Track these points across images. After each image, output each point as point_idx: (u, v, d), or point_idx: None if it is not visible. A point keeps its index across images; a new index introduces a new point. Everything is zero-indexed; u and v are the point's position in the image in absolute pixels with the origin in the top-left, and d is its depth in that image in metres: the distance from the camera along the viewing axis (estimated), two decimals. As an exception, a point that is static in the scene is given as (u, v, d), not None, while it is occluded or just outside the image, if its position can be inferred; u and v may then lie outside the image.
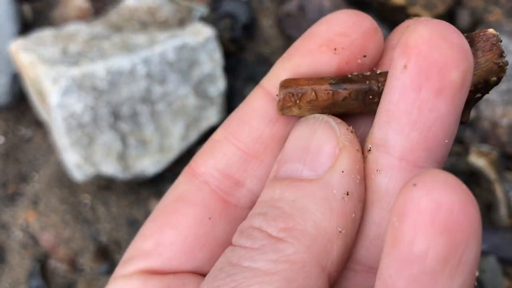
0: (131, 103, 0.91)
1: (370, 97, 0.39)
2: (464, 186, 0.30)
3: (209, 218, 0.43)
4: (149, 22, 1.01)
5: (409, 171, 0.37)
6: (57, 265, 1.01)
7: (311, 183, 0.36)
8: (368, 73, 0.40)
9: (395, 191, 0.37)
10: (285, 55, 0.42)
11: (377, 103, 0.39)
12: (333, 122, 0.39)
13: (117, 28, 0.99)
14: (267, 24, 1.07)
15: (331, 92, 0.39)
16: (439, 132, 0.35)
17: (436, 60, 0.34)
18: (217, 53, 0.95)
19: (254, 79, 1.04)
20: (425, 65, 0.34)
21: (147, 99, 0.92)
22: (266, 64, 1.06)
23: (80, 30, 0.97)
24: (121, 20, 1.01)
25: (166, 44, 0.92)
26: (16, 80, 1.03)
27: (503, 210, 0.95)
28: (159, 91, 0.92)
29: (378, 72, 0.40)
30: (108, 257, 1.02)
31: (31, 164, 1.07)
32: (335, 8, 0.97)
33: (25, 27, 1.08)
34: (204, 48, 0.93)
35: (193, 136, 0.96)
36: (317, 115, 0.40)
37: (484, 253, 0.95)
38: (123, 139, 0.92)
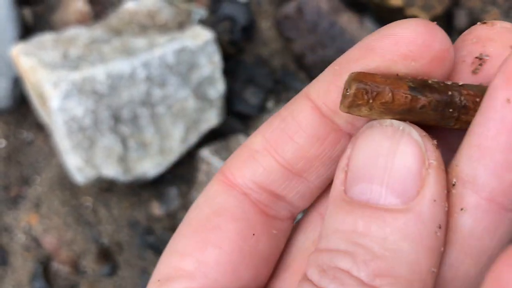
0: (131, 106, 0.92)
1: (450, 110, 0.35)
2: None
3: (253, 234, 0.40)
4: (148, 26, 1.02)
5: (498, 213, 0.33)
6: (60, 267, 1.02)
7: (400, 215, 0.31)
8: (450, 83, 0.36)
9: (479, 235, 0.34)
10: (336, 66, 0.37)
11: (456, 118, 0.35)
12: (417, 134, 0.34)
13: (117, 32, 1.00)
14: (265, 26, 1.07)
15: (409, 96, 0.34)
16: None
17: None
18: (216, 55, 0.96)
19: (253, 81, 1.05)
20: None
21: (147, 102, 0.92)
22: (265, 66, 1.07)
23: (80, 34, 0.98)
24: (121, 24, 1.02)
25: (166, 48, 0.92)
26: (17, 83, 1.04)
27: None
28: (159, 94, 0.93)
29: (460, 84, 0.36)
30: (110, 258, 1.03)
31: (33, 167, 1.08)
32: (332, 10, 0.98)
33: (26, 31, 1.09)
34: (204, 51, 0.94)
35: (193, 138, 0.96)
36: (394, 122, 0.35)
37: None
38: (124, 142, 0.93)
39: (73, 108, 0.88)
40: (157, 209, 1.02)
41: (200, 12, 1.06)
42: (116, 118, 0.92)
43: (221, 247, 0.39)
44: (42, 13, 1.13)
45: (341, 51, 0.98)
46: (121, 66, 0.90)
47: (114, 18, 1.04)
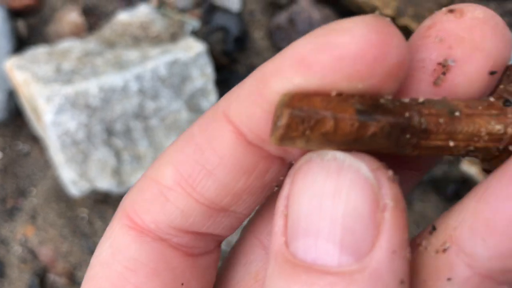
0: (124, 119, 0.92)
1: (407, 136, 0.28)
2: None
3: (182, 284, 0.34)
4: (141, 37, 1.02)
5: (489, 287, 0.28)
6: (56, 279, 1.03)
7: (353, 279, 0.26)
8: (407, 100, 0.28)
9: None
10: (260, 83, 0.28)
11: (414, 145, 0.28)
12: (367, 169, 0.27)
13: (110, 44, 1.00)
14: (258, 36, 1.08)
15: (357, 123, 0.27)
16: None
17: None
18: (209, 67, 0.96)
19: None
20: None
21: (140, 115, 0.93)
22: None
23: (73, 47, 0.98)
24: (114, 36, 1.02)
25: (158, 60, 0.93)
26: (12, 96, 1.05)
27: (496, 217, 0.95)
28: (152, 107, 0.93)
29: (420, 101, 0.29)
30: (106, 270, 1.03)
31: (29, 179, 1.09)
32: (324, 20, 0.98)
33: (20, 43, 1.09)
34: (196, 63, 0.95)
35: (187, 149, 0.97)
36: (338, 154, 0.27)
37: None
38: (117, 155, 0.93)
39: (66, 122, 0.89)
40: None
41: (193, 23, 1.06)
42: (109, 131, 0.92)
43: None
44: (36, 25, 1.13)
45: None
46: (114, 79, 0.91)
47: (107, 30, 1.04)
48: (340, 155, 0.27)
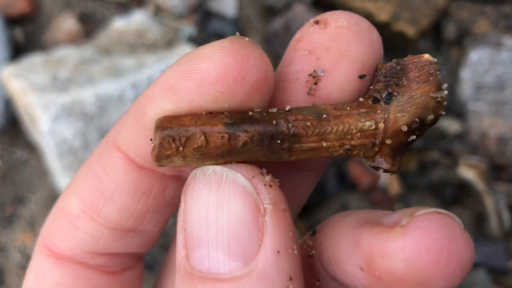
0: (121, 126, 0.92)
1: (278, 141, 0.30)
2: None
3: None
4: (137, 44, 1.02)
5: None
6: (55, 286, 1.03)
7: (243, 282, 0.27)
8: (275, 110, 0.31)
9: None
10: (138, 111, 0.30)
11: (288, 149, 0.30)
12: (243, 179, 0.29)
13: (106, 51, 1.00)
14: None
15: (226, 136, 0.29)
16: None
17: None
18: (205, 74, 0.96)
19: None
20: None
21: (137, 122, 0.93)
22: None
23: (70, 55, 0.99)
24: (110, 43, 1.02)
25: (154, 68, 0.93)
26: (9, 104, 1.05)
27: (493, 221, 0.95)
28: (149, 114, 0.93)
29: (287, 109, 0.31)
30: (105, 276, 1.03)
31: (27, 186, 1.09)
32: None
33: (17, 50, 1.10)
34: (192, 70, 0.95)
35: (184, 156, 0.97)
36: (217, 168, 0.29)
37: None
38: (114, 162, 0.93)
39: (63, 131, 0.89)
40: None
41: (189, 29, 1.06)
42: (106, 139, 0.92)
43: None
44: (33, 33, 1.13)
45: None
46: (110, 87, 0.91)
47: (103, 37, 1.04)
48: (218, 169, 0.29)
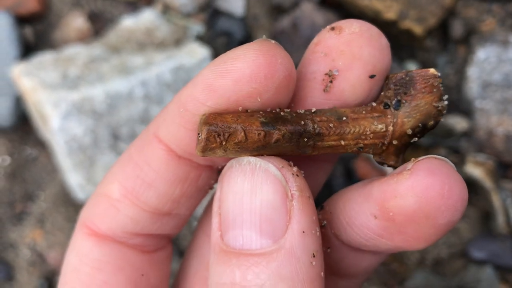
0: (130, 124, 0.93)
1: (305, 139, 0.35)
2: None
3: (142, 275, 0.40)
4: (146, 43, 1.03)
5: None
6: (64, 282, 1.04)
7: (273, 257, 0.31)
8: (302, 111, 0.36)
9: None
10: (181, 107, 0.35)
11: (312, 146, 0.35)
12: (274, 168, 0.33)
13: (116, 50, 1.01)
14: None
15: (262, 133, 0.34)
16: None
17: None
18: (213, 72, 0.97)
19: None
20: None
21: (145, 119, 0.94)
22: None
23: (79, 53, 1.00)
24: (120, 41, 1.03)
25: (163, 66, 0.94)
26: (19, 102, 1.06)
27: (500, 219, 0.96)
28: (157, 111, 0.94)
29: (313, 111, 0.36)
30: (114, 273, 1.04)
31: (37, 184, 1.10)
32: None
33: (27, 49, 1.11)
34: (200, 68, 0.95)
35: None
36: (251, 159, 0.34)
37: (481, 263, 0.96)
38: (124, 159, 0.94)
39: (73, 128, 0.90)
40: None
41: (197, 28, 1.07)
42: (116, 136, 0.93)
43: None
44: (43, 31, 1.15)
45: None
46: (120, 85, 0.92)
47: (112, 36, 1.05)
48: (252, 159, 0.34)
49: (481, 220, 1.00)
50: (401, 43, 1.03)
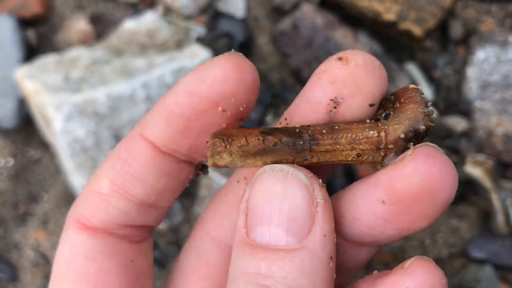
0: (132, 125, 0.94)
1: (301, 142, 0.39)
2: None
3: (131, 261, 0.44)
4: (148, 45, 1.04)
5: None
6: (68, 283, 1.05)
7: (297, 254, 0.35)
8: (298, 126, 0.40)
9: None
10: (167, 109, 0.40)
11: (309, 149, 0.39)
12: (304, 176, 0.38)
13: (118, 52, 1.02)
14: (263, 41, 1.09)
15: (261, 137, 0.39)
16: None
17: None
18: (214, 73, 0.98)
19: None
20: None
21: (147, 121, 0.95)
22: (263, 80, 1.08)
23: (81, 55, 1.01)
24: (121, 44, 1.04)
25: (164, 68, 0.95)
26: (22, 104, 1.07)
27: (500, 218, 0.96)
28: (159, 113, 0.95)
29: (307, 125, 0.40)
30: (116, 273, 1.05)
31: (40, 185, 1.11)
32: (327, 25, 0.99)
33: (30, 51, 1.12)
34: (201, 69, 0.96)
35: (194, 154, 0.99)
36: (284, 167, 0.38)
37: (480, 262, 0.97)
38: (126, 161, 0.95)
39: (76, 130, 0.91)
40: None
41: (198, 30, 1.08)
42: (118, 138, 0.94)
43: (109, 283, 0.42)
44: (45, 34, 1.16)
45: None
46: (121, 87, 0.93)
47: (114, 38, 1.06)
48: (285, 167, 0.38)
49: (481, 220, 1.01)
50: (401, 44, 1.04)
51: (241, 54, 0.39)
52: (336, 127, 0.40)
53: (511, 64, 0.99)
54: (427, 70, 1.05)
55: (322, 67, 0.40)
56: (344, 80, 0.39)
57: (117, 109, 0.93)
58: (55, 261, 0.44)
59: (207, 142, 0.40)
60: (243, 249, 0.37)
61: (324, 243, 0.36)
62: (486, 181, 0.96)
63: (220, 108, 0.39)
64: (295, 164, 0.39)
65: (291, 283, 0.34)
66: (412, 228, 0.37)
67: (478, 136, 1.00)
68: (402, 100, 0.40)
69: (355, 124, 0.40)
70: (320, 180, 0.38)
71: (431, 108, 0.39)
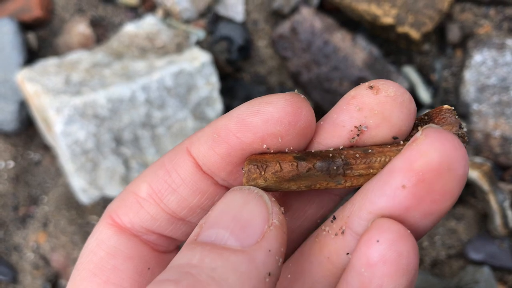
0: (132, 128, 0.95)
1: (335, 168, 0.39)
2: (410, 237, 0.36)
3: (148, 268, 0.44)
4: (148, 48, 1.04)
5: None
6: (68, 284, 1.05)
7: (235, 254, 0.35)
8: (331, 149, 0.40)
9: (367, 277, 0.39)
10: (215, 133, 0.41)
11: (343, 174, 0.39)
12: (267, 198, 0.38)
13: (118, 55, 1.03)
14: (262, 44, 1.10)
15: (295, 163, 0.39)
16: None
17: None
18: (214, 77, 0.98)
19: (251, 99, 1.07)
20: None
21: (147, 123, 0.95)
22: (262, 83, 1.09)
23: (82, 58, 1.01)
24: (122, 47, 1.05)
25: (164, 71, 0.95)
26: (23, 107, 1.08)
27: (498, 220, 0.97)
28: (159, 116, 0.95)
29: (340, 148, 0.40)
30: (116, 275, 1.05)
31: (40, 187, 1.11)
32: (326, 29, 1.00)
33: (31, 54, 1.12)
34: (201, 73, 0.97)
35: (193, 157, 0.99)
36: (252, 187, 0.39)
37: (478, 263, 0.97)
38: (126, 163, 0.96)
39: (76, 132, 0.91)
40: None
41: (198, 33, 1.08)
42: (118, 140, 0.94)
43: (121, 285, 0.43)
44: (46, 37, 1.16)
45: (334, 68, 1.00)
46: (121, 90, 0.93)
47: (114, 41, 1.07)
48: (253, 188, 0.39)
49: (479, 222, 1.01)
50: (399, 47, 1.04)
51: (303, 96, 0.39)
52: (370, 150, 0.40)
53: (508, 67, 1.00)
54: (425, 73, 1.06)
55: (352, 92, 0.40)
56: (372, 109, 0.39)
57: (117, 111, 0.93)
58: (82, 250, 0.45)
59: (242, 168, 0.40)
60: (187, 245, 0.37)
61: (267, 257, 0.35)
62: (483, 184, 0.96)
63: (264, 146, 0.39)
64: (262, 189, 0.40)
65: (217, 276, 0.33)
66: (436, 209, 0.36)
67: (476, 139, 1.01)
68: (436, 122, 0.40)
69: (389, 147, 0.40)
70: (283, 208, 0.39)
71: (465, 129, 0.39)
